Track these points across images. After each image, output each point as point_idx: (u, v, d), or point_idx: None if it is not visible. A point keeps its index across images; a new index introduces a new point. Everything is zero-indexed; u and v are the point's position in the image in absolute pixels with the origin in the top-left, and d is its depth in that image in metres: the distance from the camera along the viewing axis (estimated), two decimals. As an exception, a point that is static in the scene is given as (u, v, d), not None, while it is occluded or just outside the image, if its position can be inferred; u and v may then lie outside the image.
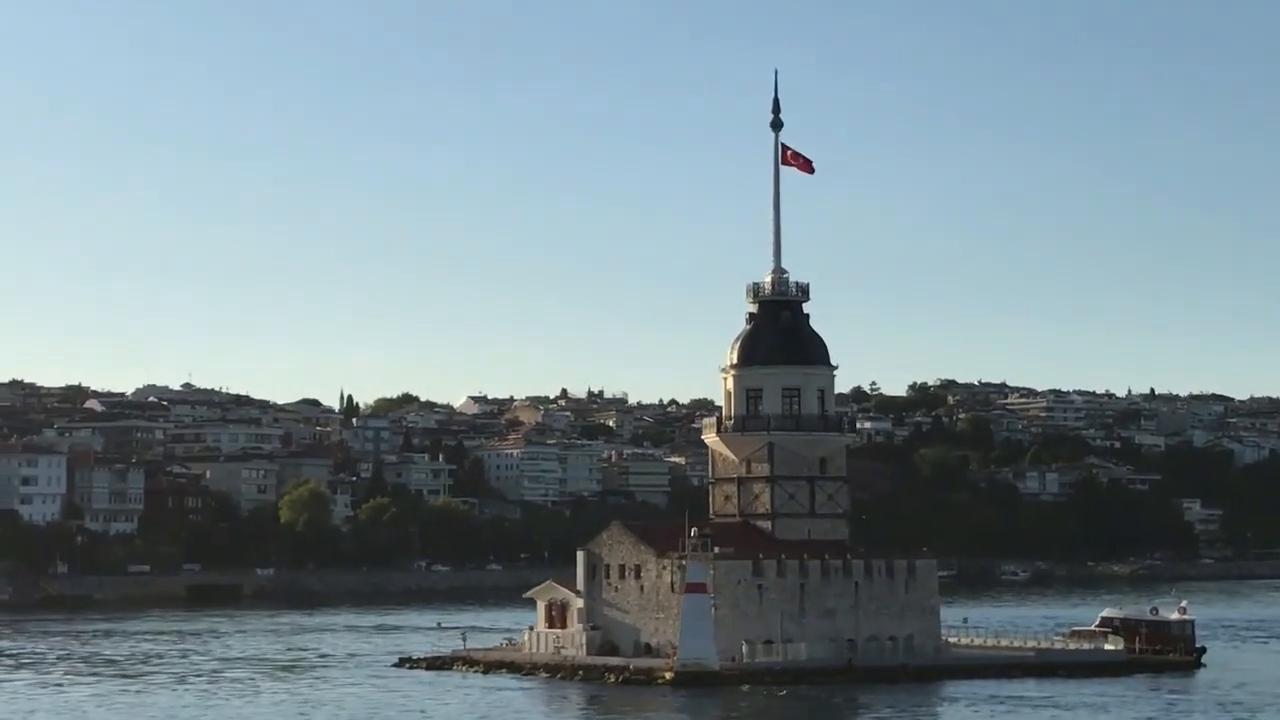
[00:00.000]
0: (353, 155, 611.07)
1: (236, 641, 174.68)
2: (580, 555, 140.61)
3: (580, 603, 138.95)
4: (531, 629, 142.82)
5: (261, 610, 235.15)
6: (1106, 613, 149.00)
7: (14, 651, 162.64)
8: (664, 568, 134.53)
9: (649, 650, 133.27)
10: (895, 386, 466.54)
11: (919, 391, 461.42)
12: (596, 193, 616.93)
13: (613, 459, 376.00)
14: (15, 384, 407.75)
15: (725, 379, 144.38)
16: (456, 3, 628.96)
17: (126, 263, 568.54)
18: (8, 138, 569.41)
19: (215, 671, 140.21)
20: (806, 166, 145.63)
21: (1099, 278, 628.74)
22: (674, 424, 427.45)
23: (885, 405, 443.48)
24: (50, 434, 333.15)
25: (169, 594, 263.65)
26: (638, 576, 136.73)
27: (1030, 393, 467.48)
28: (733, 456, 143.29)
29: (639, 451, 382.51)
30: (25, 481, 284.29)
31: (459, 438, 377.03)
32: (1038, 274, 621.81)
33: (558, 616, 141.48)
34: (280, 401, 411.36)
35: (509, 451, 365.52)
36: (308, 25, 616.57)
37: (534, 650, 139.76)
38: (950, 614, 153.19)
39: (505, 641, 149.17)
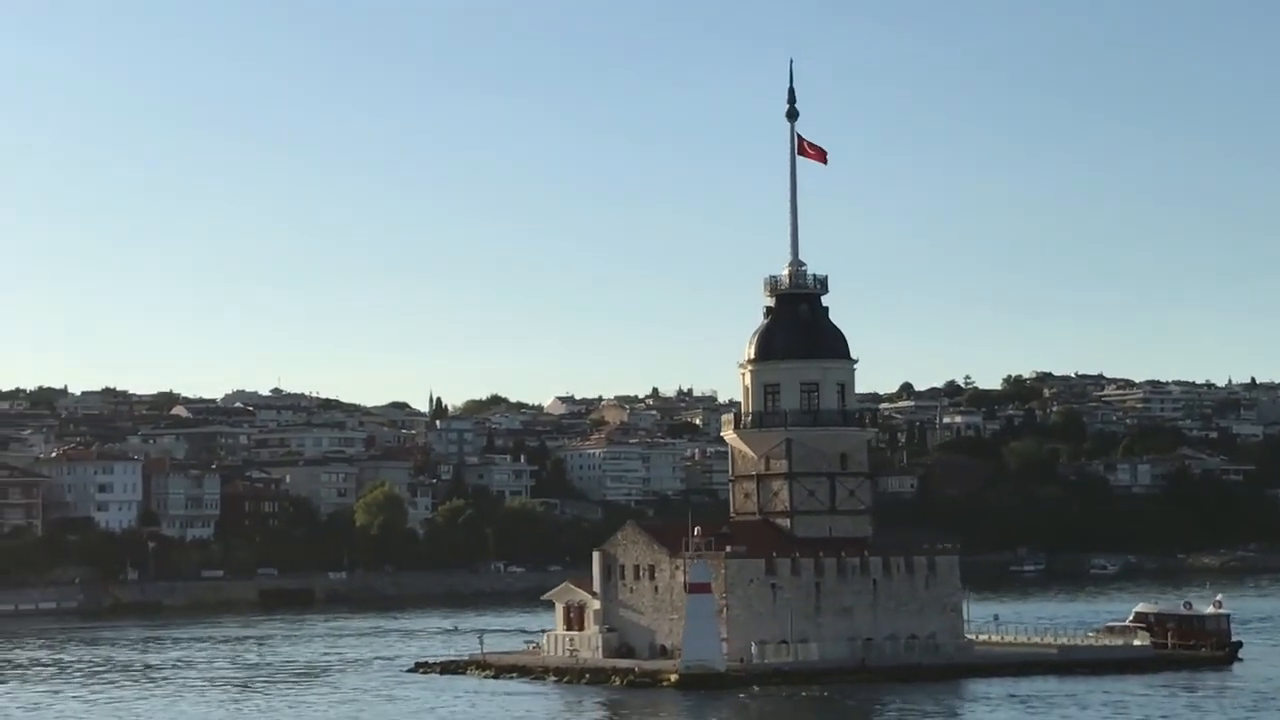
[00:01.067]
0: (439, 162, 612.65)
1: (275, 647, 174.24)
2: (596, 556, 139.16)
3: (597, 604, 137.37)
4: (541, 632, 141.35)
5: (329, 614, 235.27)
6: (1140, 607, 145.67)
7: (37, 660, 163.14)
8: (677, 568, 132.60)
9: (664, 652, 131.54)
10: (990, 379, 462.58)
11: (1014, 385, 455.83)
12: (680, 194, 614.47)
13: (696, 457, 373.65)
14: (107, 391, 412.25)
15: (743, 374, 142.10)
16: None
17: (219, 270, 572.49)
18: (101, 143, 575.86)
19: (216, 680, 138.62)
20: (821, 156, 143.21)
21: (1199, 265, 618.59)
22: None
23: (978, 399, 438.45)
24: (134, 441, 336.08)
25: (241, 599, 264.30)
26: (652, 577, 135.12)
27: (1127, 384, 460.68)
28: (751, 453, 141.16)
29: (723, 450, 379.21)
30: (101, 489, 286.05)
31: (542, 438, 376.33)
32: (1136, 261, 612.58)
33: (575, 618, 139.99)
34: (371, 405, 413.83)
35: (591, 451, 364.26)
36: (409, 31, 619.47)
37: (552, 653, 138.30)
38: (983, 610, 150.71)
39: (531, 645, 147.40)
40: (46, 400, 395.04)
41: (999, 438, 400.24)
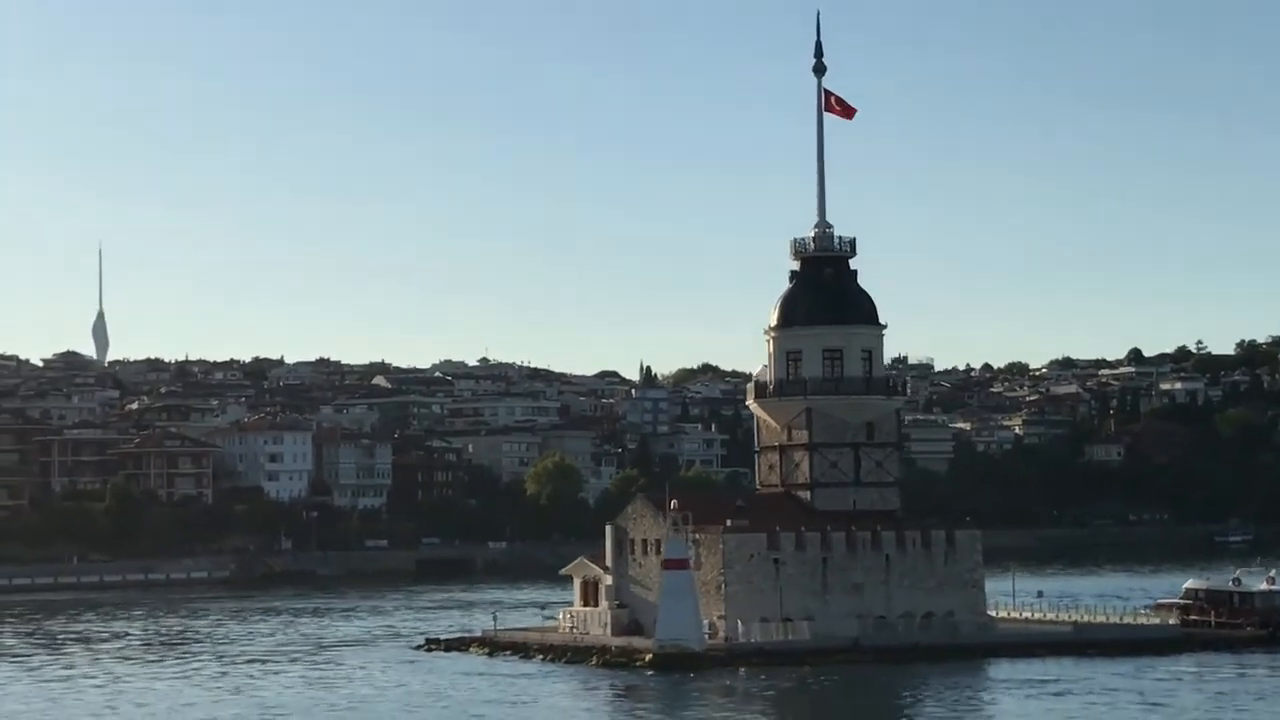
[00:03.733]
0: (634, 124, 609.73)
1: (329, 620, 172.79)
2: (609, 530, 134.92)
3: (609, 580, 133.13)
4: (544, 607, 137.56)
5: (475, 584, 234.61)
6: (1190, 583, 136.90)
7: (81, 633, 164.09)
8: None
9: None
10: (1224, 345, 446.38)
11: (1246, 350, 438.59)
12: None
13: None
14: (320, 362, 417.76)
15: (768, 341, 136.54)
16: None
17: (434, 241, 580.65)
18: (323, 123, 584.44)
19: (224, 656, 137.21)
20: (848, 112, 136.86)
21: None
22: (973, 389, 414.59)
23: (1204, 364, 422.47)
24: (327, 411, 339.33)
25: (398, 569, 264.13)
26: (659, 552, 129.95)
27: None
28: (774, 424, 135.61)
29: (919, 417, 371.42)
30: (272, 459, 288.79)
31: (738, 407, 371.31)
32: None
33: (591, 595, 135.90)
34: (579, 374, 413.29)
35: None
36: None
37: (567, 630, 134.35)
38: (1095, 585, 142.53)
39: (549, 621, 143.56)
40: (260, 371, 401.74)
41: (1219, 405, 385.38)
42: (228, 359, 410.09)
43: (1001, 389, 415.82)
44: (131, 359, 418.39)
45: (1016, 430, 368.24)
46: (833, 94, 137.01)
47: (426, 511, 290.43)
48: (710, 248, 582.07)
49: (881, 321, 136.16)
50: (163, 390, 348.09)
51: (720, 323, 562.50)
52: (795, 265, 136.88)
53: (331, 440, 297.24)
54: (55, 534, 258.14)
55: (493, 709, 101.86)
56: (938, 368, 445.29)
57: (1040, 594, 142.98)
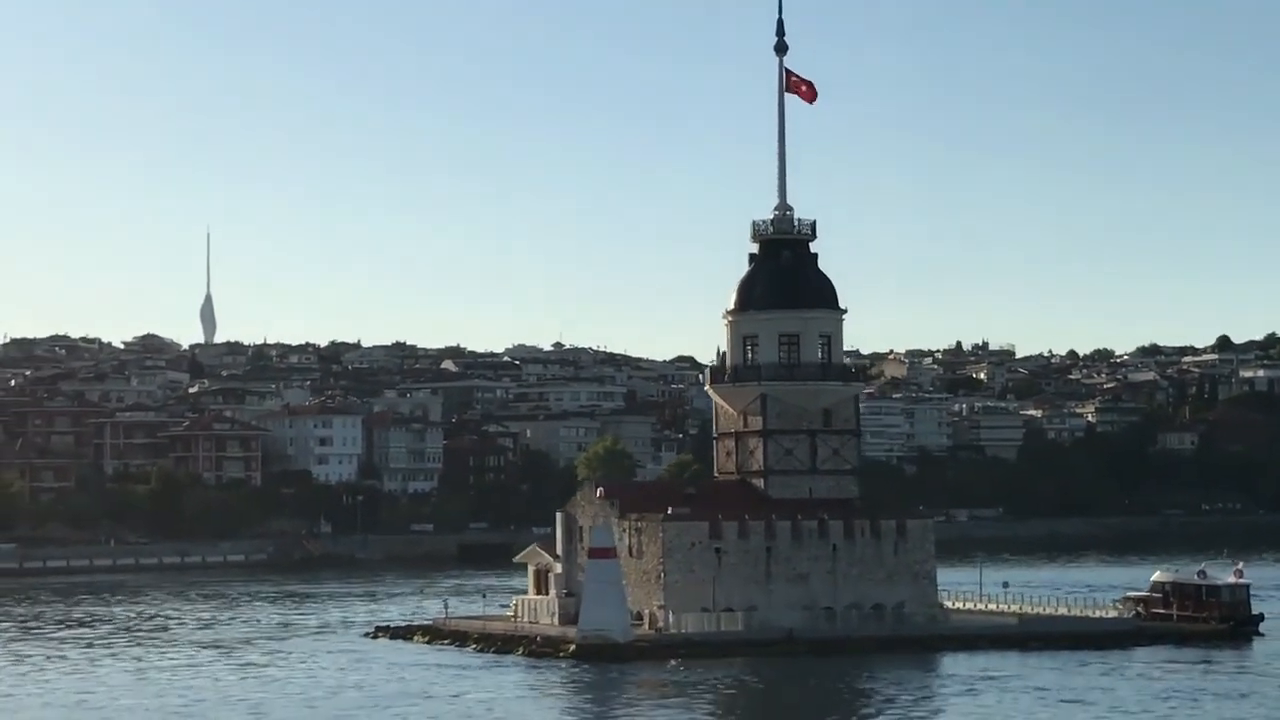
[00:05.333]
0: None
1: (319, 604, 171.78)
2: (559, 517, 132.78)
3: (559, 568, 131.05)
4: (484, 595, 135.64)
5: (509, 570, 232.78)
6: (1157, 576, 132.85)
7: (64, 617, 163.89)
8: (624, 530, 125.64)
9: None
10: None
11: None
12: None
13: (963, 412, 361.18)
14: (396, 345, 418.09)
15: (726, 326, 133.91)
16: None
17: (509, 224, 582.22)
18: (398, 100, 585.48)
19: (187, 641, 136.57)
20: (809, 94, 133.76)
21: None
22: (1051, 376, 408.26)
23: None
24: (391, 395, 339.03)
25: (440, 553, 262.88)
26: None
27: None
28: (731, 410, 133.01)
29: (991, 405, 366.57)
30: (321, 443, 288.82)
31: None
32: None
33: (543, 583, 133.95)
34: (654, 360, 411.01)
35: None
36: None
37: (521, 619, 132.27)
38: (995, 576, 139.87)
39: (503, 609, 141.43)
40: (335, 354, 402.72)
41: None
42: (303, 342, 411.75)
43: (1080, 376, 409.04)
44: (242, 341, 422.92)
45: (1089, 418, 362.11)
46: (794, 73, 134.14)
47: (476, 496, 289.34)
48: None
49: (841, 306, 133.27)
50: (223, 374, 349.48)
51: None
52: (754, 248, 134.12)
53: (382, 424, 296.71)
54: (100, 516, 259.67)
55: (379, 704, 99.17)
56: (1020, 354, 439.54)
57: (1006, 584, 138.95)
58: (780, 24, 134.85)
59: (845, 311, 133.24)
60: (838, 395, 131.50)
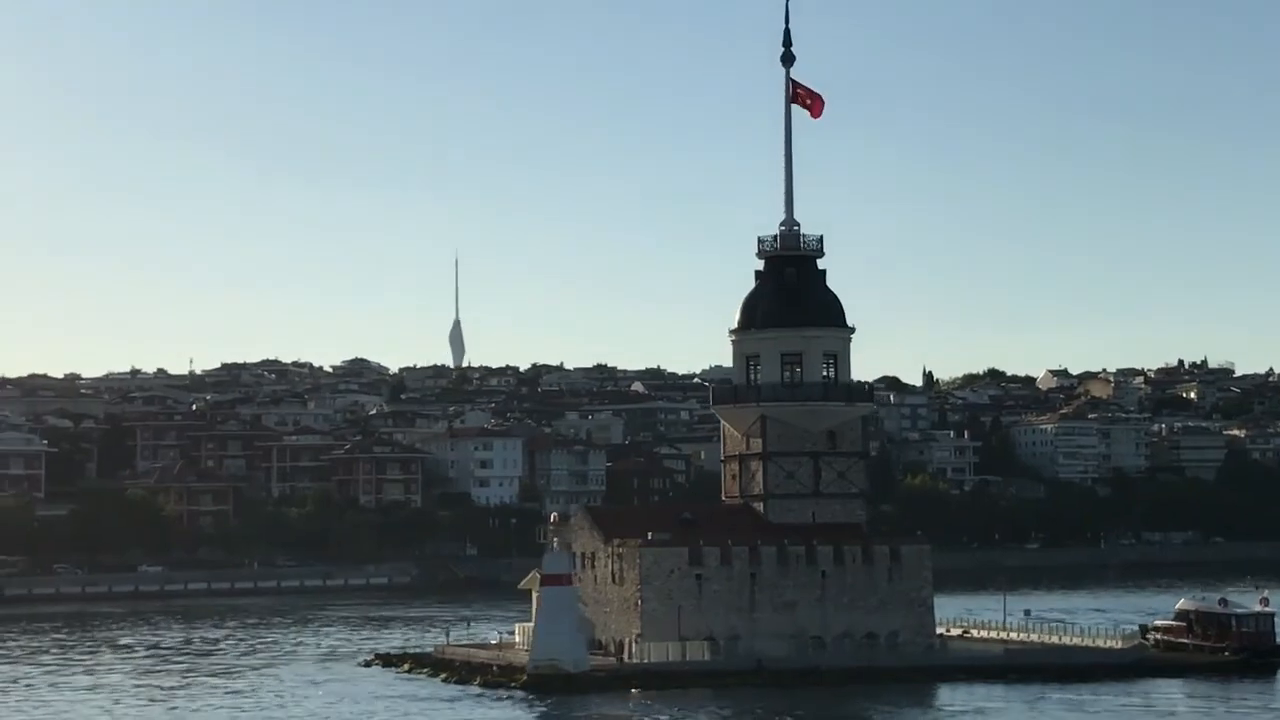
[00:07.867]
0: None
1: (396, 630, 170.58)
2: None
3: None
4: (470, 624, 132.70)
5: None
6: (1182, 604, 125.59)
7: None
8: (608, 556, 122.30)
9: (599, 647, 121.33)
10: None
11: None
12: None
13: (1163, 432, 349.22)
14: (597, 367, 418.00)
15: (732, 345, 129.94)
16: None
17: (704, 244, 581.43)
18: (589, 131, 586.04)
19: (214, 668, 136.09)
20: (816, 108, 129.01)
21: None
22: (1267, 395, 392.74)
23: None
24: (572, 417, 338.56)
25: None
26: (593, 566, 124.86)
27: None
28: (735, 431, 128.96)
29: (1189, 424, 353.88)
30: (482, 465, 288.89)
31: (999, 413, 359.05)
32: None
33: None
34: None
35: (1043, 427, 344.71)
36: None
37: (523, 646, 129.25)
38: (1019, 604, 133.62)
39: (501, 637, 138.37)
40: (534, 377, 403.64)
41: None
42: (503, 364, 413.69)
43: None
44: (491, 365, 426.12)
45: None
46: (800, 85, 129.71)
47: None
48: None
49: (849, 324, 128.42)
50: (402, 397, 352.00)
51: (1005, 324, 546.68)
52: (760, 264, 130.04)
53: (544, 446, 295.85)
54: (256, 539, 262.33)
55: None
56: (1240, 371, 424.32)
57: (1028, 612, 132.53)
58: (787, 34, 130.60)
59: (853, 330, 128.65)
60: (842, 416, 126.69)
